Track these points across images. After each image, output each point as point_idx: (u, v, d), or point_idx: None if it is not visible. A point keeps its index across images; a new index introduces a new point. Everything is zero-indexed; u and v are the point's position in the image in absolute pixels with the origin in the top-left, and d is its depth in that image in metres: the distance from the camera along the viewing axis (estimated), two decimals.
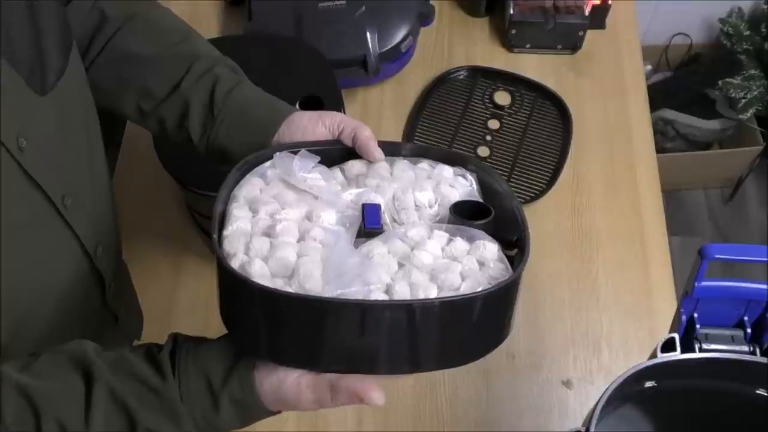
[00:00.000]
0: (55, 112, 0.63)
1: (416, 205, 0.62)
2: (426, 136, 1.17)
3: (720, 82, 1.91)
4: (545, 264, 1.05)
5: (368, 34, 1.12)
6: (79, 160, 0.68)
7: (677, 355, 0.58)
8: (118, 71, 0.74)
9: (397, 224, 0.61)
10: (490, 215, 0.60)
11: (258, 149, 0.66)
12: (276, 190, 0.62)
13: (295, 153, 0.64)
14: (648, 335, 1.00)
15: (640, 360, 0.59)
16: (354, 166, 0.65)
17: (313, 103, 0.97)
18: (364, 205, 0.60)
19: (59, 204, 0.63)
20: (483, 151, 1.15)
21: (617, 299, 1.03)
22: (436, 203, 0.62)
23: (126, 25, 0.74)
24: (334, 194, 0.61)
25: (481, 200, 0.63)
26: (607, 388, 0.57)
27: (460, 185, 0.64)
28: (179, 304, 1.03)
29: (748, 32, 1.94)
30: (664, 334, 0.59)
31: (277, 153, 0.64)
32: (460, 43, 1.26)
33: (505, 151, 1.15)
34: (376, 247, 0.57)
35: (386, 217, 0.61)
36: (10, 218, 0.57)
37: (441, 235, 0.59)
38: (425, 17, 1.18)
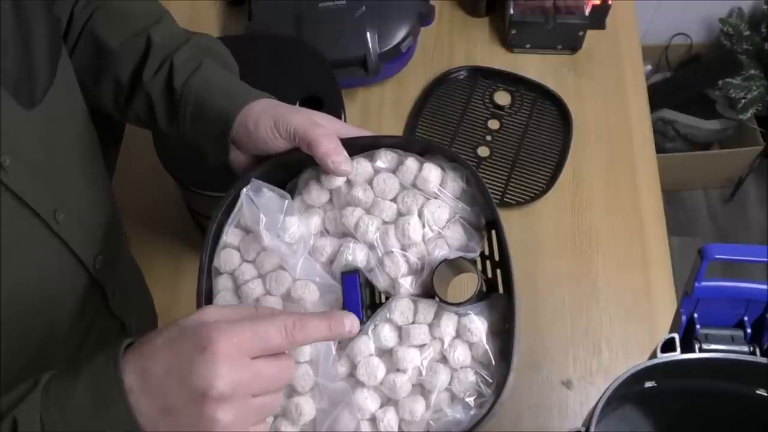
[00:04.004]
0: (44, 124, 0.60)
1: (402, 245, 0.60)
2: (426, 136, 1.17)
3: (720, 82, 1.91)
4: (545, 264, 1.05)
5: (368, 34, 1.12)
6: (72, 172, 0.66)
7: (677, 355, 0.58)
8: (94, 62, 0.71)
9: (382, 269, 0.60)
10: (477, 286, 0.58)
11: (223, 146, 0.64)
12: (253, 251, 0.61)
13: (263, 176, 0.62)
14: (648, 335, 1.00)
15: (640, 360, 0.58)
16: (335, 180, 0.62)
17: (313, 103, 0.97)
18: (343, 279, 0.59)
19: (50, 220, 0.61)
20: (483, 151, 1.15)
21: (617, 299, 1.03)
22: (422, 238, 0.59)
23: (97, 11, 0.71)
24: (311, 265, 0.60)
25: (467, 256, 0.59)
26: (607, 388, 0.57)
27: (450, 189, 0.60)
28: (179, 304, 1.03)
29: (748, 32, 1.94)
30: (664, 335, 0.59)
31: (244, 190, 0.61)
32: (460, 43, 1.26)
33: (505, 151, 1.15)
34: (360, 353, 0.58)
35: (372, 261, 0.60)
36: None
37: (427, 311, 0.59)
38: (425, 17, 1.18)
